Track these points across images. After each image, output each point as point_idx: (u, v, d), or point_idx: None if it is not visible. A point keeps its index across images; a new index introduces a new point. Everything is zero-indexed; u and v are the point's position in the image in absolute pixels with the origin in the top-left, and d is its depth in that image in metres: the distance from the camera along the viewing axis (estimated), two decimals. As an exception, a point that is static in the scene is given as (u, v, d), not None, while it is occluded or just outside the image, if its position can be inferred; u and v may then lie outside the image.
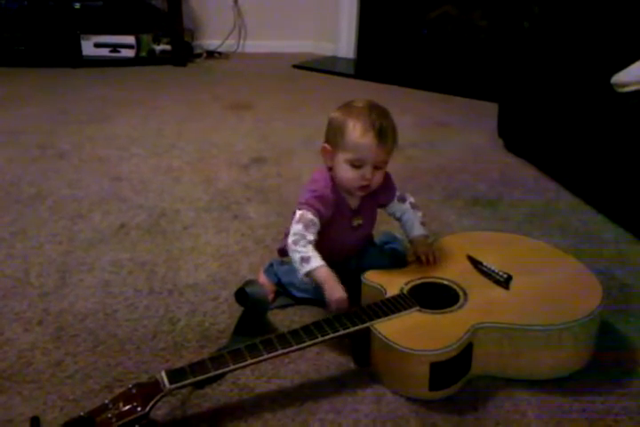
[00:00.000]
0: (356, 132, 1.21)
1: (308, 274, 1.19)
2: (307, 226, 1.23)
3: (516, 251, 1.36)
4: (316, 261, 1.19)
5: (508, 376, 1.13)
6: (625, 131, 1.71)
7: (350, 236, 1.34)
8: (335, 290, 1.17)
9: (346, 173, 1.24)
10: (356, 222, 1.33)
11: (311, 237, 1.22)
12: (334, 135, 1.24)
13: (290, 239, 1.22)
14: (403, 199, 1.40)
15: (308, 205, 1.25)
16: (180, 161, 2.18)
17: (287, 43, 4.06)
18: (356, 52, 3.95)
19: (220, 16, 3.95)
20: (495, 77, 2.50)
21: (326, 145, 1.27)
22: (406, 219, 1.39)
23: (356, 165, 1.22)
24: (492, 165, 2.21)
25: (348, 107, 1.26)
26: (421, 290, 1.23)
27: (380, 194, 1.34)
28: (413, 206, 1.40)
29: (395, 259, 1.39)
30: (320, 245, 1.24)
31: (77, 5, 3.48)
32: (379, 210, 1.40)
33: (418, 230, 1.37)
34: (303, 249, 1.20)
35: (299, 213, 1.26)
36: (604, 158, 1.80)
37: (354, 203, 1.32)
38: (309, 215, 1.24)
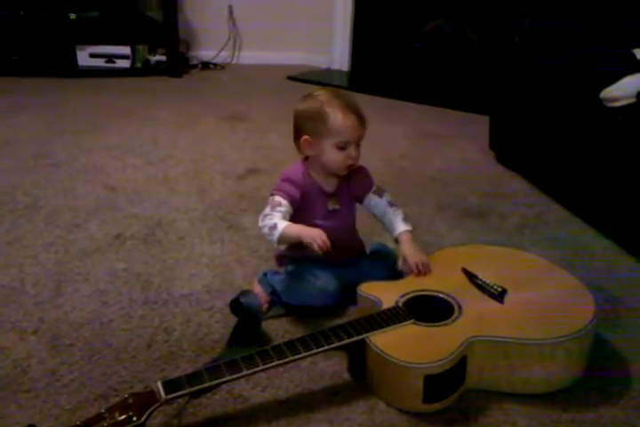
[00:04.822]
0: (338, 116, 1.27)
1: (280, 239, 1.25)
2: (273, 207, 1.30)
3: (510, 265, 1.38)
4: (282, 224, 1.25)
5: (500, 390, 1.14)
6: (613, 145, 1.74)
7: (328, 220, 1.36)
8: (309, 231, 1.23)
9: (333, 157, 1.31)
10: (332, 206, 1.37)
11: (277, 214, 1.28)
12: (314, 125, 1.29)
13: (259, 222, 1.29)
14: (379, 194, 1.42)
15: (275, 190, 1.33)
16: (175, 171, 2.20)
17: (282, 54, 4.10)
18: (350, 64, 3.99)
19: (216, 27, 3.98)
20: (487, 91, 2.54)
21: (306, 137, 1.31)
22: (387, 217, 1.41)
23: (341, 146, 1.29)
24: (483, 177, 2.24)
25: (314, 97, 1.32)
26: (417, 302, 1.24)
27: (355, 181, 1.39)
28: (391, 204, 1.42)
29: (388, 270, 1.41)
30: None
31: (73, 16, 3.50)
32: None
33: (401, 226, 1.38)
34: (269, 221, 1.27)
35: (269, 199, 1.33)
36: (594, 172, 1.83)
37: (329, 187, 1.37)
38: (276, 198, 1.31)
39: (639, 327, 1.36)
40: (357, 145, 1.32)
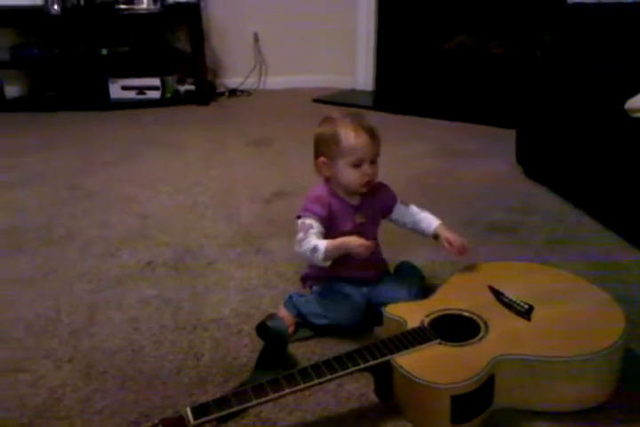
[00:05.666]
0: (350, 136, 1.31)
1: (325, 258, 1.29)
2: (305, 231, 1.32)
3: (537, 281, 1.36)
4: (321, 244, 1.29)
5: (531, 409, 1.12)
6: (641, 156, 1.72)
7: (356, 233, 1.36)
8: (352, 242, 1.28)
9: (349, 175, 1.34)
10: (359, 220, 1.39)
11: (312, 236, 1.31)
12: (328, 147, 1.34)
13: (295, 247, 1.32)
14: (405, 204, 1.47)
15: (303, 211, 1.36)
16: (204, 197, 2.24)
17: (307, 77, 4.17)
18: (375, 84, 4.03)
19: (241, 55, 4.09)
20: (513, 104, 2.53)
21: (322, 158, 1.36)
22: (419, 219, 1.45)
23: (356, 164, 1.32)
24: (511, 191, 2.22)
25: (328, 121, 1.37)
26: (442, 322, 1.23)
27: (380, 196, 1.43)
28: (421, 210, 1.47)
29: (413, 287, 1.41)
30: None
31: (105, 51, 3.64)
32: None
33: (435, 221, 1.44)
34: (307, 246, 1.30)
35: (298, 222, 1.35)
36: (624, 183, 1.80)
37: (354, 201, 1.40)
38: (307, 221, 1.34)
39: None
40: (372, 162, 1.34)
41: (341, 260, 1.34)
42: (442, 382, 1.05)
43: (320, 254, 1.28)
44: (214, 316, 1.47)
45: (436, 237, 1.43)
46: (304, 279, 1.50)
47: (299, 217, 1.36)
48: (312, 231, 1.32)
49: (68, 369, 1.28)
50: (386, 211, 1.46)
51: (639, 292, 1.50)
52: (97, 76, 3.70)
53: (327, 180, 1.40)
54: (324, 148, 1.35)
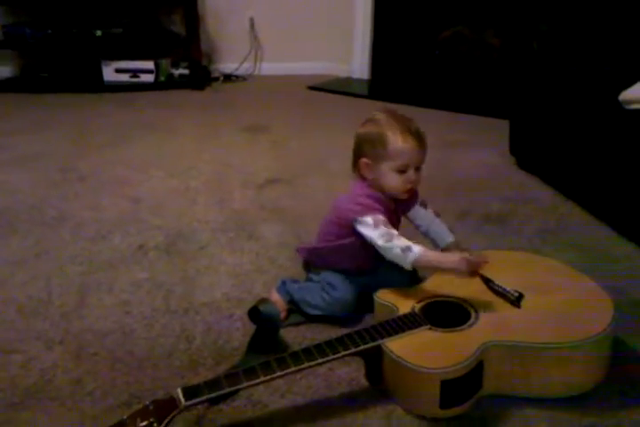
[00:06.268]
0: (398, 139, 1.28)
1: (415, 262, 1.25)
2: (386, 224, 1.28)
3: (528, 270, 1.37)
4: (417, 247, 1.25)
5: (519, 395, 1.14)
6: (634, 147, 1.72)
7: None
8: (453, 262, 1.23)
9: (392, 181, 1.31)
10: (393, 222, 1.37)
11: (395, 231, 1.28)
12: (373, 148, 1.30)
13: (379, 242, 1.27)
14: (424, 204, 1.46)
15: (371, 209, 1.30)
16: (197, 182, 2.24)
17: (302, 64, 4.14)
18: (370, 72, 4.01)
19: (237, 40, 4.05)
20: (507, 95, 2.53)
21: (365, 160, 1.32)
22: (433, 228, 1.44)
23: (401, 170, 1.29)
24: (503, 182, 2.22)
25: (374, 121, 1.33)
26: (433, 308, 1.25)
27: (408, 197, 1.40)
28: (437, 215, 1.46)
29: (405, 276, 1.41)
30: (357, 253, 1.35)
31: (99, 32, 3.60)
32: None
33: (450, 236, 1.43)
34: (398, 242, 1.26)
35: (369, 218, 1.29)
36: (615, 175, 1.81)
37: (391, 206, 1.38)
38: (380, 216, 1.29)
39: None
40: (417, 169, 1.31)
41: (341, 252, 1.36)
42: (432, 367, 1.07)
43: (411, 257, 1.23)
44: (206, 300, 1.47)
45: (444, 250, 1.42)
46: (307, 264, 1.49)
47: (364, 215, 1.29)
48: (390, 226, 1.28)
49: (59, 351, 1.28)
50: (405, 210, 1.44)
51: (627, 281, 1.52)
52: (90, 58, 3.65)
53: (364, 180, 1.36)
54: (369, 148, 1.32)
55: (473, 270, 1.24)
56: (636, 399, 1.14)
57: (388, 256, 1.28)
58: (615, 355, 1.20)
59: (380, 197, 1.34)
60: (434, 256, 1.27)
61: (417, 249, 1.24)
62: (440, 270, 1.29)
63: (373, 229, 1.28)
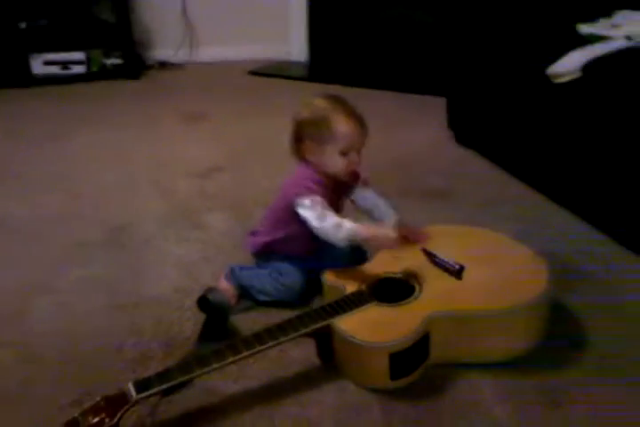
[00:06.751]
0: (342, 123, 1.31)
1: (348, 237, 1.27)
2: (323, 206, 1.30)
3: (468, 242, 1.41)
4: (347, 222, 1.28)
5: (465, 361, 1.18)
6: (562, 119, 1.79)
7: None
8: (383, 238, 1.27)
9: (337, 163, 1.33)
10: (335, 203, 1.39)
11: (331, 213, 1.30)
12: (318, 131, 1.32)
13: (314, 223, 1.29)
14: (366, 183, 1.47)
15: (311, 190, 1.32)
16: (138, 174, 2.19)
17: (240, 49, 4.07)
18: (309, 55, 4.00)
19: (170, 26, 3.94)
20: (443, 72, 2.57)
21: (310, 142, 1.34)
22: (378, 208, 1.45)
23: (344, 152, 1.32)
24: (443, 157, 2.28)
25: (315, 105, 1.35)
26: (379, 286, 1.28)
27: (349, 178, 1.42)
28: (379, 195, 1.47)
29: (352, 255, 1.44)
30: (303, 237, 1.35)
31: (23, 25, 3.44)
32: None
33: (392, 216, 1.45)
34: (330, 220, 1.28)
35: (307, 200, 1.31)
36: (548, 146, 1.87)
37: (331, 185, 1.39)
38: (317, 198, 1.31)
39: (594, 290, 1.41)
40: (359, 151, 1.34)
41: (298, 238, 1.37)
42: (379, 341, 1.10)
43: (343, 232, 1.26)
44: (154, 292, 1.46)
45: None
46: (260, 253, 1.48)
47: (302, 197, 1.31)
48: (327, 209, 1.30)
49: (3, 355, 1.25)
50: (349, 191, 1.45)
51: (560, 244, 1.59)
52: (16, 51, 3.50)
53: (307, 163, 1.37)
54: (313, 132, 1.33)
55: (404, 239, 1.28)
56: (574, 359, 1.20)
57: (322, 236, 1.30)
58: (552, 317, 1.26)
59: (321, 180, 1.35)
60: (365, 231, 1.28)
61: (348, 225, 1.27)
62: (372, 243, 1.33)
63: (310, 211, 1.30)
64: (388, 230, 1.28)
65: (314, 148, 1.34)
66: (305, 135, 1.35)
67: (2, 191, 2.06)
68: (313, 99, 1.37)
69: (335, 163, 1.33)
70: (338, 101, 1.34)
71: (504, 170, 2.12)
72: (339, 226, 1.27)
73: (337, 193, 1.40)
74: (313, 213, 1.30)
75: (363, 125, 1.33)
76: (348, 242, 1.29)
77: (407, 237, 1.40)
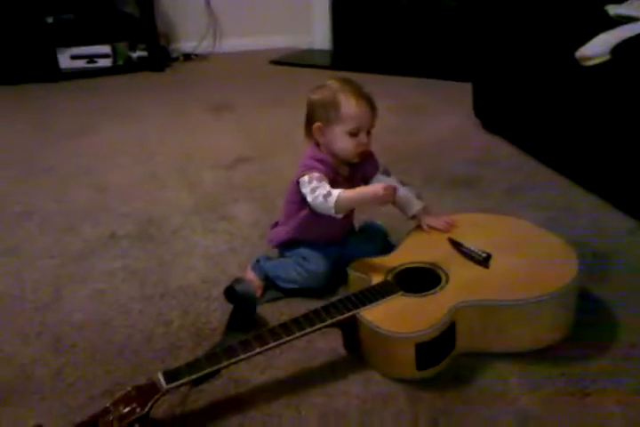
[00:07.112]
0: (351, 103, 1.30)
1: (337, 204, 1.25)
2: (319, 180, 1.29)
3: (495, 230, 1.40)
4: (336, 191, 1.26)
5: (492, 351, 1.17)
6: (592, 103, 1.75)
7: None
8: (371, 193, 1.24)
9: (345, 143, 1.33)
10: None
11: (326, 184, 1.28)
12: (326, 112, 1.32)
13: (309, 198, 1.29)
14: (387, 173, 1.45)
15: (310, 167, 1.32)
16: (165, 166, 2.21)
17: (263, 39, 4.07)
18: (332, 43, 3.97)
19: (194, 18, 3.96)
20: (469, 58, 2.52)
21: (318, 123, 1.34)
22: (400, 195, 1.41)
23: (353, 133, 1.31)
24: (469, 145, 2.24)
25: (326, 87, 1.35)
26: (405, 275, 1.27)
27: (366, 165, 1.42)
28: (403, 184, 1.45)
29: (378, 245, 1.43)
30: (318, 221, 1.34)
31: (50, 19, 3.49)
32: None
33: (418, 204, 1.43)
34: (321, 191, 1.26)
35: (306, 177, 1.31)
36: (576, 131, 1.83)
37: (345, 172, 1.39)
38: (315, 174, 1.31)
39: (625, 280, 1.38)
40: (368, 132, 1.34)
41: (313, 223, 1.36)
42: (405, 332, 1.09)
43: (332, 200, 1.24)
44: (182, 283, 1.48)
45: (414, 217, 1.43)
46: (281, 244, 1.48)
47: (305, 174, 1.31)
48: (324, 182, 1.29)
49: (36, 345, 1.28)
50: (366, 179, 1.43)
51: (590, 233, 1.56)
52: (44, 46, 3.55)
53: (317, 146, 1.38)
54: (322, 113, 1.33)
55: (393, 195, 1.25)
56: (602, 348, 1.18)
57: (317, 209, 1.30)
58: (581, 306, 1.24)
59: (327, 159, 1.35)
60: (352, 192, 1.26)
61: (336, 191, 1.26)
62: (365, 204, 1.32)
63: (306, 187, 1.30)
64: (375, 186, 1.26)
65: (323, 129, 1.34)
66: (315, 117, 1.35)
67: (31, 185, 2.10)
68: (323, 82, 1.37)
69: (343, 144, 1.33)
70: (347, 83, 1.35)
71: (532, 156, 2.08)
72: (328, 195, 1.26)
73: (352, 181, 1.39)
74: (307, 188, 1.30)
75: (372, 106, 1.33)
76: (341, 209, 1.27)
77: (434, 226, 1.39)
